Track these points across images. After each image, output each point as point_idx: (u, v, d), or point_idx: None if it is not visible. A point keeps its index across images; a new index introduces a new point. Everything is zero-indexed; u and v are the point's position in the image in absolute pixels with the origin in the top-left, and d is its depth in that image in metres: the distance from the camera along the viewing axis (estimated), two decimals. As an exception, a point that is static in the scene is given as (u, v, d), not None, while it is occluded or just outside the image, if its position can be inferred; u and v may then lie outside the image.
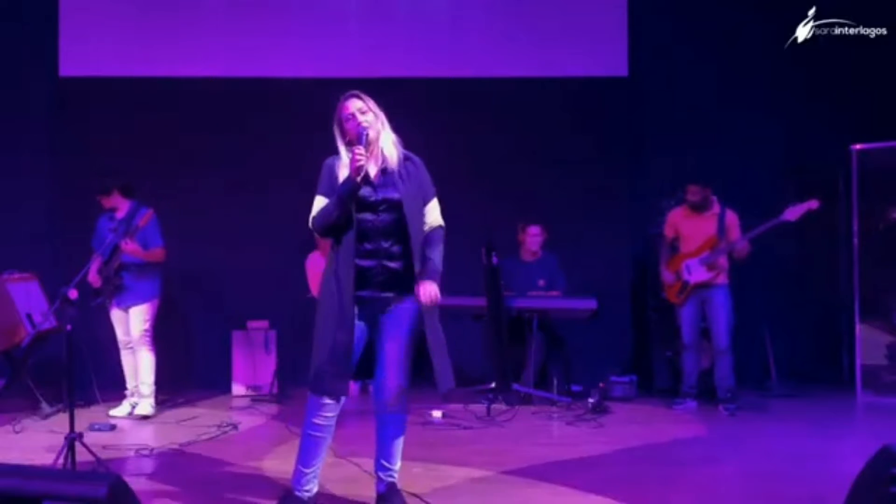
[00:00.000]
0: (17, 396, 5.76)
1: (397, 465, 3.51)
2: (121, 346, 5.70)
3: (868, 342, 6.38)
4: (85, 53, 6.92)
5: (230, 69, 6.94)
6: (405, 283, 3.34)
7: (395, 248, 3.34)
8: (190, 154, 6.83)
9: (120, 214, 5.56)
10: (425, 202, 3.44)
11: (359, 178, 3.24)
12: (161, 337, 5.86)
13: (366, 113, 3.36)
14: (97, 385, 5.79)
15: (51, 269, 6.29)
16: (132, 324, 5.57)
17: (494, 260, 5.84)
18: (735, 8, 7.01)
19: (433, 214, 3.47)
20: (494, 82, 7.02)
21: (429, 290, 3.29)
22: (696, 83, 7.01)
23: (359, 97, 3.39)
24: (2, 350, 5.65)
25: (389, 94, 6.95)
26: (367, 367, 3.43)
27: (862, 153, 6.41)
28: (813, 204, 5.48)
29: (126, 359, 5.71)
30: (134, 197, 5.63)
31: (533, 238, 6.45)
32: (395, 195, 3.32)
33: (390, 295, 3.35)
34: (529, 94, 7.01)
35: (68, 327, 3.97)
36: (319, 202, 3.36)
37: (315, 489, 3.46)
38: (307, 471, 3.41)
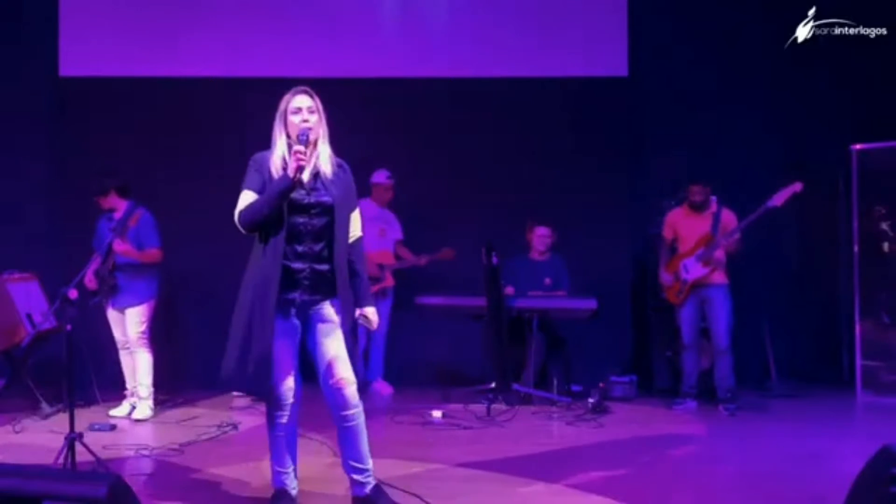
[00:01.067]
0: (17, 396, 5.75)
1: (369, 463, 3.45)
2: (119, 346, 5.69)
3: (868, 342, 6.38)
4: (85, 53, 6.92)
5: (230, 69, 6.94)
6: (331, 286, 3.34)
7: (325, 252, 3.33)
8: (190, 154, 6.82)
9: (118, 215, 5.55)
10: (352, 209, 3.43)
11: (296, 178, 3.21)
12: (160, 337, 5.86)
13: (313, 113, 3.32)
14: (97, 385, 5.77)
15: (51, 269, 6.28)
16: (128, 325, 5.57)
17: (494, 260, 5.84)
18: (735, 8, 7.01)
19: (356, 224, 3.47)
20: (494, 82, 7.01)
21: (374, 319, 3.48)
22: (696, 83, 7.01)
23: (309, 95, 3.35)
24: (2, 350, 5.64)
25: (389, 95, 7.06)
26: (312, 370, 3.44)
27: (862, 153, 6.41)
28: (797, 186, 5.48)
29: (124, 359, 5.70)
30: (131, 197, 5.61)
31: (540, 238, 6.45)
32: (329, 199, 3.31)
33: (318, 297, 3.34)
34: (529, 94, 7.00)
35: (68, 327, 3.97)
36: (247, 197, 3.31)
37: (296, 486, 3.51)
38: (284, 470, 3.46)
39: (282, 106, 3.36)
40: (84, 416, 5.29)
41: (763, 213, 5.56)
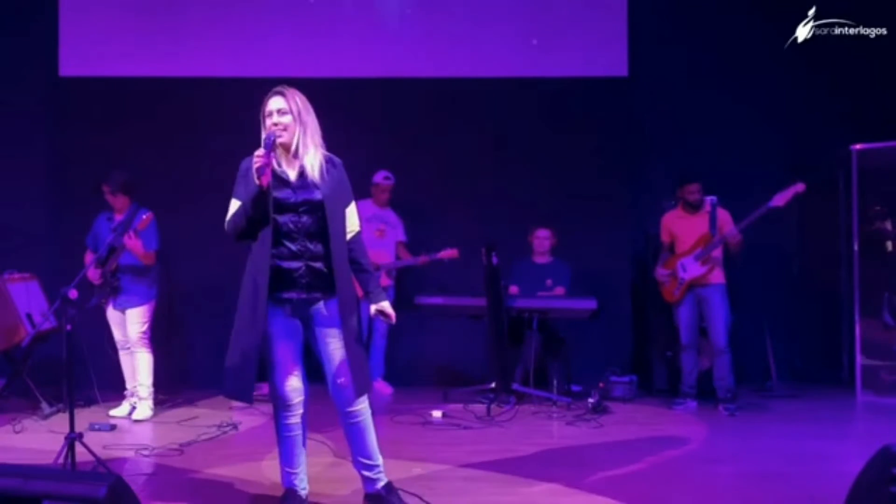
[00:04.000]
0: (17, 396, 5.76)
1: (379, 460, 3.47)
2: (118, 346, 5.69)
3: (868, 342, 6.38)
4: (85, 53, 6.92)
5: (230, 69, 6.94)
6: (329, 284, 3.32)
7: (319, 249, 3.31)
8: (190, 154, 6.82)
9: (119, 216, 5.54)
10: (346, 204, 3.41)
11: (262, 184, 3.13)
12: (161, 337, 5.85)
13: (284, 114, 3.28)
14: (97, 385, 5.78)
15: (51, 269, 6.29)
16: (129, 326, 5.57)
17: (494, 260, 5.84)
18: (735, 8, 7.01)
19: (353, 219, 3.45)
20: (494, 82, 7.01)
21: (390, 313, 3.45)
22: (696, 83, 7.01)
23: (282, 95, 3.30)
24: (2, 350, 5.65)
25: (388, 95, 7.05)
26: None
27: (862, 153, 6.41)
28: (799, 187, 5.48)
29: (124, 360, 5.70)
30: (134, 197, 5.61)
31: (541, 241, 6.46)
32: (317, 196, 3.28)
33: (317, 295, 3.33)
34: (529, 94, 7.01)
35: (68, 327, 3.96)
36: (234, 206, 3.31)
37: (307, 486, 3.50)
38: (295, 470, 3.46)
39: (261, 110, 3.35)
40: (84, 416, 5.29)
41: (764, 212, 5.56)
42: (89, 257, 5.58)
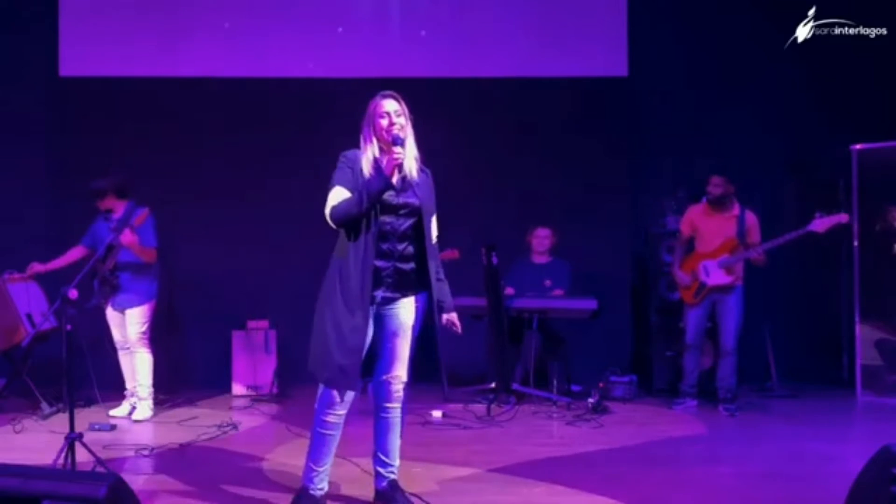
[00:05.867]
0: (17, 396, 5.76)
1: (397, 461, 3.58)
2: (118, 347, 5.69)
3: (868, 342, 6.38)
4: (85, 53, 6.92)
5: (230, 69, 6.94)
6: (413, 284, 3.45)
7: (408, 251, 3.42)
8: (189, 154, 6.82)
9: (116, 215, 5.54)
10: (433, 212, 3.52)
11: (392, 178, 3.29)
12: (161, 337, 5.85)
13: (400, 116, 3.41)
14: (97, 385, 5.78)
15: (51, 269, 6.28)
16: (129, 326, 5.56)
17: (494, 260, 5.84)
18: (735, 8, 7.01)
19: (434, 229, 3.55)
20: (494, 82, 7.02)
21: (458, 324, 3.59)
22: (696, 83, 7.02)
23: (396, 99, 3.43)
24: (2, 350, 5.64)
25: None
26: (369, 365, 3.48)
27: (862, 153, 6.41)
28: (843, 218, 5.29)
29: (124, 360, 5.70)
30: (129, 197, 5.60)
31: (540, 240, 6.45)
32: (416, 201, 3.40)
33: (398, 295, 3.43)
34: (529, 94, 7.01)
35: (68, 327, 3.96)
36: (339, 193, 3.34)
37: (326, 487, 3.53)
38: (319, 469, 3.48)
39: (370, 109, 3.42)
40: (84, 416, 5.30)
41: (802, 235, 5.40)
42: (78, 251, 5.57)
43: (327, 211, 3.35)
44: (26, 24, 6.91)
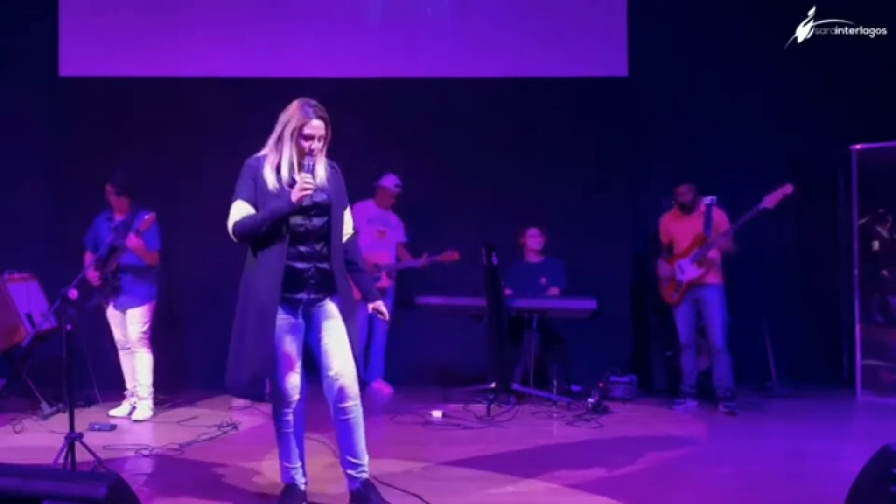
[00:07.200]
0: (17, 396, 5.76)
1: (365, 459, 3.52)
2: (118, 346, 5.69)
3: (868, 342, 6.38)
4: (85, 53, 6.91)
5: (230, 69, 6.94)
6: (333, 284, 3.42)
7: (325, 251, 3.40)
8: (189, 154, 6.81)
9: (120, 216, 5.54)
10: (345, 207, 3.51)
11: (299, 205, 3.27)
12: (161, 337, 5.84)
13: (320, 140, 3.35)
14: (97, 385, 5.79)
15: (51, 269, 6.28)
16: (130, 326, 5.56)
17: (494, 260, 5.84)
18: (735, 8, 7.01)
19: (349, 221, 3.55)
20: (494, 82, 7.01)
21: (385, 312, 3.64)
22: (696, 83, 7.01)
23: (325, 121, 3.34)
24: (2, 350, 5.64)
25: (388, 95, 7.05)
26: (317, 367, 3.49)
27: (862, 153, 6.41)
28: (788, 188, 5.47)
29: (124, 359, 5.70)
30: (135, 198, 5.60)
31: (532, 239, 6.47)
32: (325, 198, 3.38)
33: (323, 295, 3.43)
34: (529, 94, 7.00)
35: (68, 327, 3.97)
36: (239, 207, 3.35)
37: (305, 481, 3.58)
38: (293, 465, 3.55)
39: (294, 121, 3.33)
40: (84, 416, 5.29)
41: (755, 214, 5.55)
42: (89, 258, 5.58)
43: (230, 226, 3.36)
44: (26, 24, 6.91)
